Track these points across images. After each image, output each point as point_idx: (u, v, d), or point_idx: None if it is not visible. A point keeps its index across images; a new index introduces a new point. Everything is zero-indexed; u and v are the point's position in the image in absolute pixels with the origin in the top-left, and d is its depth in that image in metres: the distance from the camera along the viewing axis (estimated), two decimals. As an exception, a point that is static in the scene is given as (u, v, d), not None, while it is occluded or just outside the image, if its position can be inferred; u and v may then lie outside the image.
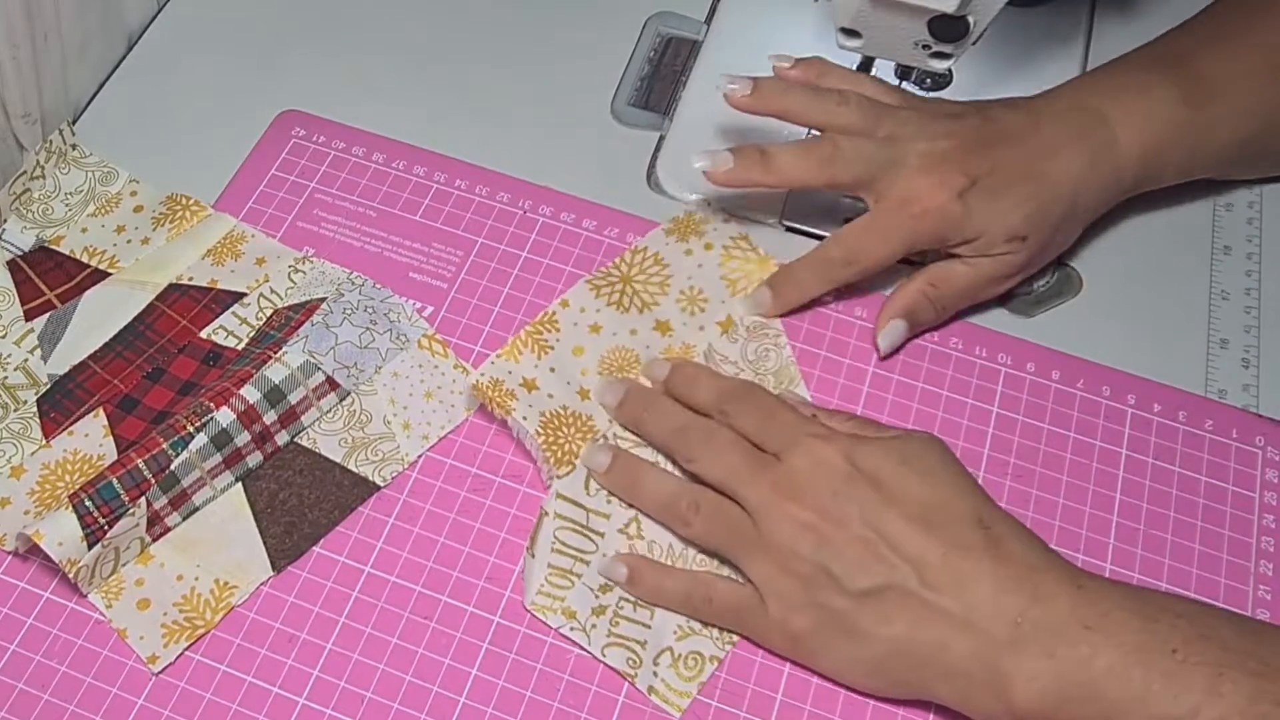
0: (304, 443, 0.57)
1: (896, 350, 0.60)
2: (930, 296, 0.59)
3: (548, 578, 0.53)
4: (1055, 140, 0.58)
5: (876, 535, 0.50)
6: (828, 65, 0.60)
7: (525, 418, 0.56)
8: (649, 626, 0.53)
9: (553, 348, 0.58)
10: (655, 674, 0.52)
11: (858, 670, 0.50)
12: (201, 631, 0.52)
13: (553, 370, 0.58)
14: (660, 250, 0.61)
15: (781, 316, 0.61)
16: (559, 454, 0.56)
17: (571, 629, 0.53)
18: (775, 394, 0.56)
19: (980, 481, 0.57)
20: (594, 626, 0.52)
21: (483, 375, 0.57)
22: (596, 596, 0.53)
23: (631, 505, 0.55)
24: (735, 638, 0.53)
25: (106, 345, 0.59)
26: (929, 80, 0.67)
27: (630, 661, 0.52)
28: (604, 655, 0.52)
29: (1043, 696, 0.47)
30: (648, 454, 0.56)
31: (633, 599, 0.53)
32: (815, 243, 0.63)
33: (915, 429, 0.55)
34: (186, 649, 0.52)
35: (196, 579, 0.53)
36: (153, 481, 0.53)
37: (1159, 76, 0.60)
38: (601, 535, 0.54)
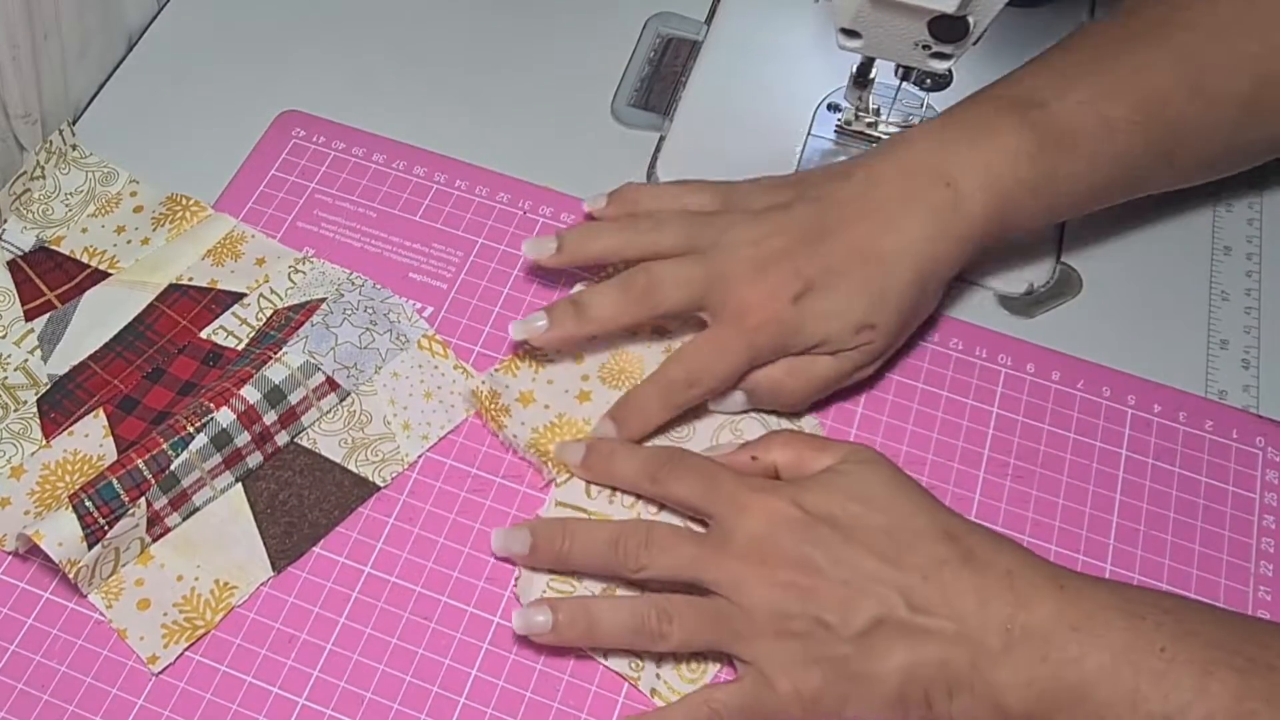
0: (304, 443, 0.57)
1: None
2: (783, 384, 0.56)
3: (550, 584, 0.53)
4: (891, 211, 0.55)
5: (853, 575, 0.49)
6: (638, 189, 0.60)
7: (516, 435, 0.56)
8: None
9: (551, 360, 0.58)
10: (658, 676, 0.52)
11: (880, 712, 0.49)
12: (201, 632, 0.52)
13: (550, 382, 0.58)
14: None
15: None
16: (556, 462, 0.56)
17: None
18: (696, 453, 0.54)
19: (980, 482, 0.57)
20: None
21: (482, 384, 0.57)
22: None
23: (596, 648, 0.52)
24: None
25: (106, 345, 0.59)
26: (929, 80, 0.67)
27: (632, 665, 0.52)
28: (606, 659, 0.52)
29: (1038, 700, 0.47)
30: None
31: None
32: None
33: (853, 443, 0.54)
34: (186, 649, 0.52)
35: (196, 579, 0.53)
36: (153, 482, 0.53)
37: (1009, 123, 0.56)
38: None
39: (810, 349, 0.55)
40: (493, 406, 0.57)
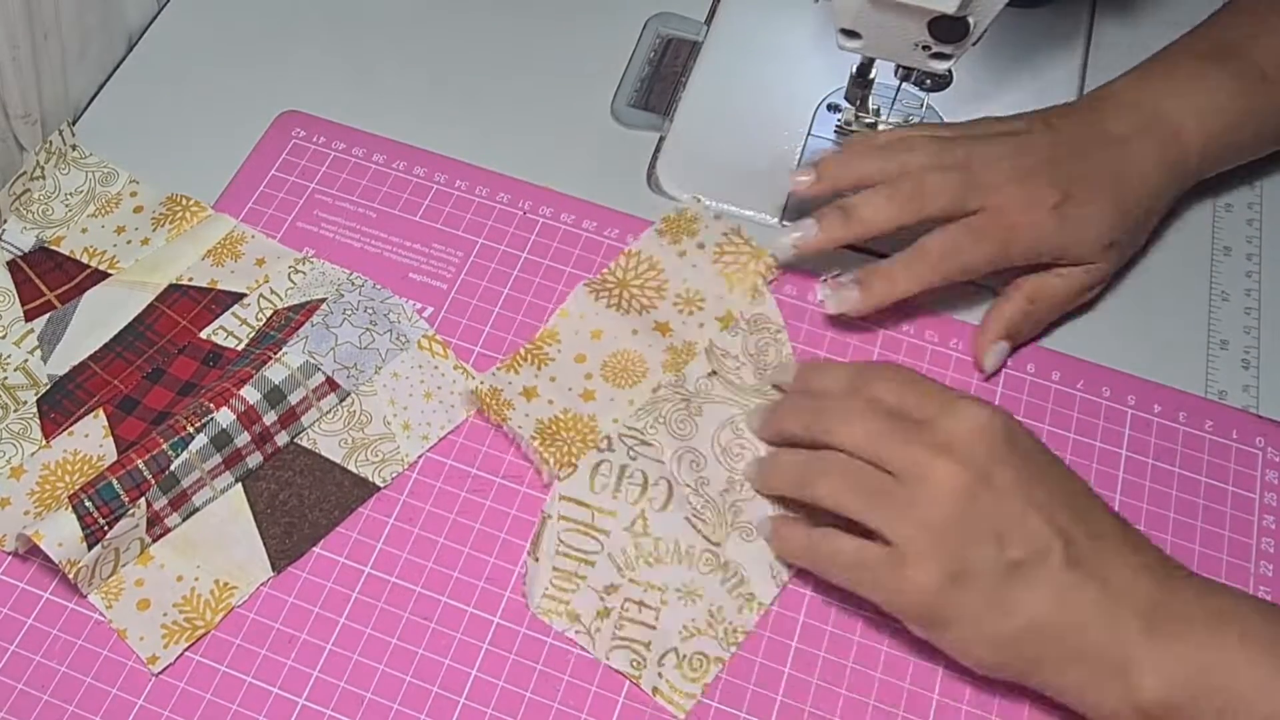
0: (304, 443, 0.57)
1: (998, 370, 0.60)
2: (1029, 313, 0.59)
3: (552, 580, 0.53)
4: (1125, 144, 0.59)
5: (1031, 506, 0.49)
6: (873, 133, 0.62)
7: (521, 426, 0.56)
8: (654, 628, 0.53)
9: (553, 359, 0.58)
10: (660, 674, 0.52)
11: (985, 645, 0.49)
12: (201, 632, 0.52)
13: (553, 379, 0.58)
14: (654, 254, 0.61)
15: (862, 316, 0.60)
16: (560, 456, 0.56)
17: (576, 632, 0.53)
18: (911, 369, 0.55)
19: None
20: (598, 630, 0.53)
21: (481, 383, 0.57)
22: (601, 599, 0.53)
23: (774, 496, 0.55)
24: (740, 638, 0.53)
25: (106, 346, 0.59)
26: (929, 81, 0.67)
27: (634, 663, 0.52)
28: (608, 659, 0.52)
29: (1170, 686, 0.47)
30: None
31: (637, 600, 0.53)
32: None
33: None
34: (186, 649, 0.52)
35: (196, 579, 0.53)
36: (153, 482, 0.53)
37: (1213, 68, 0.60)
38: (607, 534, 0.54)
39: (1055, 260, 0.58)
40: (495, 402, 0.57)
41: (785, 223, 0.64)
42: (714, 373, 0.58)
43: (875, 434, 0.51)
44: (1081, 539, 0.49)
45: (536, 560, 0.54)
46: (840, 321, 0.61)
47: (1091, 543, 0.49)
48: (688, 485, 0.56)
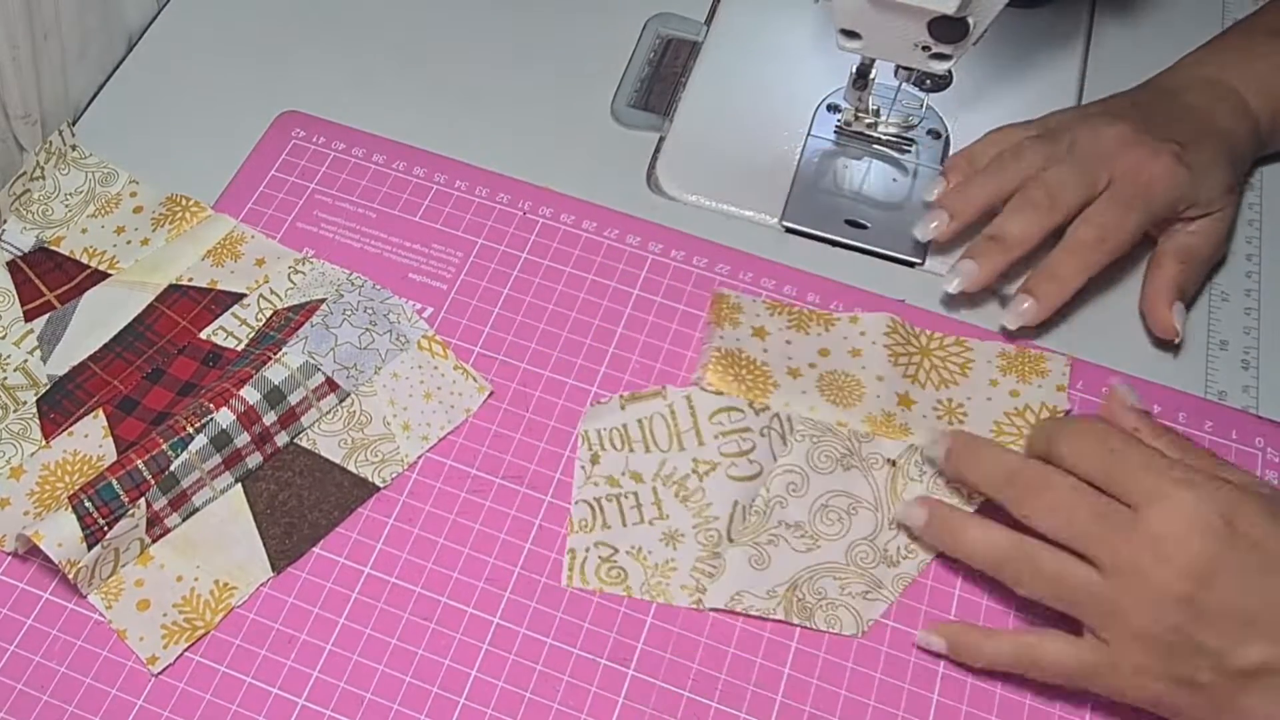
0: (304, 444, 0.57)
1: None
2: (1184, 272, 0.60)
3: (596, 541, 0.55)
4: (1205, 107, 0.61)
5: (1259, 607, 0.45)
6: (966, 151, 0.63)
7: (722, 338, 0.59)
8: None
9: (802, 335, 0.60)
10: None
11: None
12: (201, 632, 0.52)
13: (787, 343, 0.59)
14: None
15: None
16: (717, 377, 0.58)
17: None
18: (1118, 429, 0.51)
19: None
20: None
21: (737, 296, 0.60)
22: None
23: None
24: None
25: (106, 346, 0.59)
26: (929, 81, 0.67)
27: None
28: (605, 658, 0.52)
29: None
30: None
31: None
32: (814, 243, 0.64)
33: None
34: (186, 650, 0.52)
35: (196, 580, 0.53)
36: (152, 482, 0.53)
37: (1272, 45, 0.63)
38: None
39: (1188, 211, 0.59)
40: (727, 307, 0.60)
41: (785, 223, 0.64)
42: (894, 463, 0.57)
43: (1077, 526, 0.48)
44: None
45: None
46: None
47: None
48: (769, 490, 0.56)
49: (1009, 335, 0.60)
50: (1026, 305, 0.59)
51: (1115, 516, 0.48)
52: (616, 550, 0.55)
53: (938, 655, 0.52)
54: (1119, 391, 0.54)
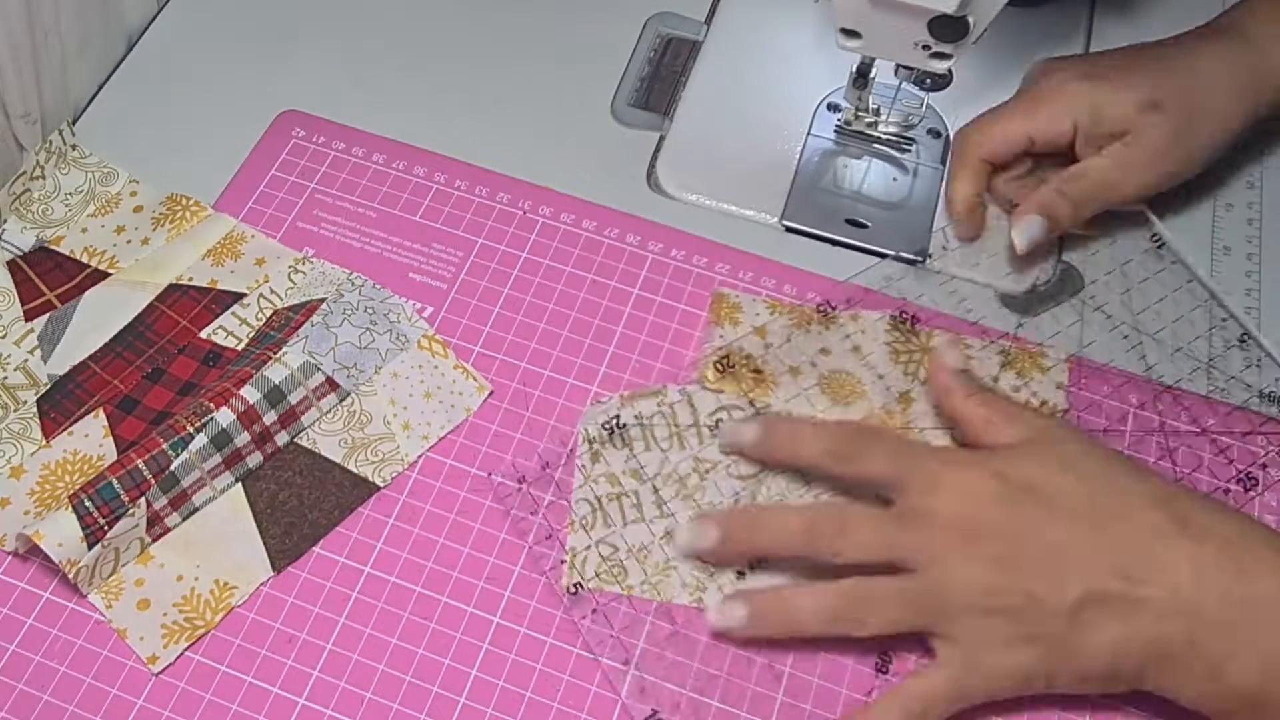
0: (304, 443, 0.57)
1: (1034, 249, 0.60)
2: (1064, 193, 0.59)
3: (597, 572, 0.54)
4: (1193, 48, 0.60)
5: (1060, 544, 0.47)
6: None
7: (722, 336, 0.59)
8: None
9: (803, 333, 0.60)
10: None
11: (1091, 684, 0.48)
12: (201, 632, 0.52)
13: (787, 341, 0.59)
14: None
15: None
16: (713, 375, 0.58)
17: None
18: (881, 428, 0.53)
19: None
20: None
21: (734, 294, 0.60)
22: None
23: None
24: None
25: (106, 346, 0.59)
26: (929, 80, 0.67)
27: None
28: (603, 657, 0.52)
29: (1261, 674, 0.46)
30: None
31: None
32: (814, 243, 0.64)
33: (1045, 416, 0.54)
34: (186, 649, 0.52)
35: (196, 579, 0.53)
36: (152, 482, 0.53)
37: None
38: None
39: (1095, 129, 0.59)
40: (727, 307, 0.60)
41: (785, 222, 0.64)
42: None
43: (885, 543, 0.49)
44: (1129, 553, 0.47)
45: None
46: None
47: (1144, 551, 0.47)
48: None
49: (1009, 334, 0.60)
50: (1035, 225, 0.59)
51: (911, 516, 0.50)
52: (616, 549, 0.55)
53: None
54: (941, 350, 0.56)
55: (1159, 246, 0.62)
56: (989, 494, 0.49)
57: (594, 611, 0.53)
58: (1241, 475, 0.57)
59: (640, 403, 0.58)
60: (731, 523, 0.53)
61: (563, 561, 0.54)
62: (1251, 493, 0.57)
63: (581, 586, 0.54)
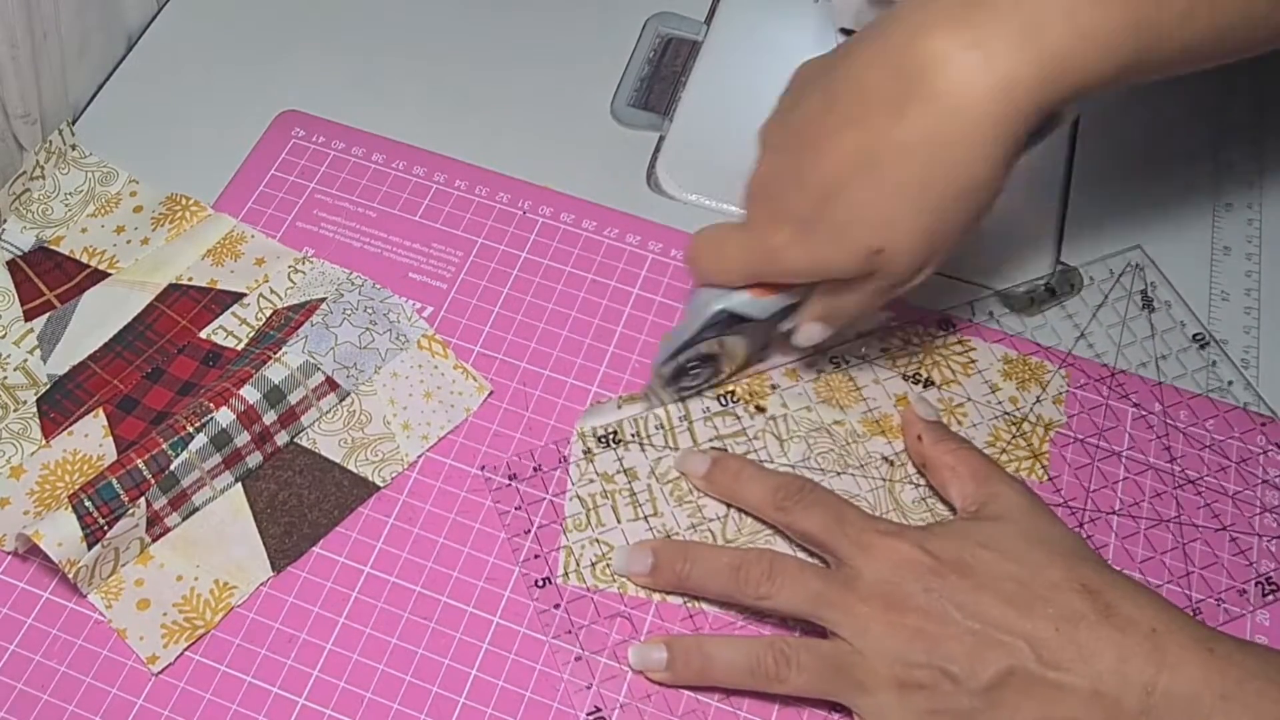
0: (304, 443, 0.57)
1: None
2: (827, 316, 0.53)
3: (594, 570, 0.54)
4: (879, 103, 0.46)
5: (982, 624, 0.47)
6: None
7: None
8: None
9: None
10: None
11: None
12: (201, 632, 0.52)
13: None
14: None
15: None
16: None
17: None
18: (824, 488, 0.53)
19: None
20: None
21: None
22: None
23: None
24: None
25: (106, 345, 0.59)
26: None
27: None
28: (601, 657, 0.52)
29: None
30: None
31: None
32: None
33: (1011, 481, 0.53)
34: (186, 649, 0.52)
35: (196, 579, 0.53)
36: (152, 482, 0.53)
37: None
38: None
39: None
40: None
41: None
42: (891, 463, 0.57)
43: (811, 597, 0.49)
44: (1050, 636, 0.46)
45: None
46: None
47: (1064, 635, 0.46)
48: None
49: (1006, 336, 0.60)
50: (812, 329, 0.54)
51: (839, 578, 0.50)
52: (612, 547, 0.55)
53: None
54: (914, 404, 0.57)
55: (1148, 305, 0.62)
56: (917, 566, 0.48)
57: (594, 612, 0.53)
58: (1243, 473, 0.57)
59: (637, 404, 0.58)
60: (665, 552, 0.53)
61: (550, 553, 0.54)
62: (1253, 489, 0.57)
63: (579, 585, 0.54)
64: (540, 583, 0.54)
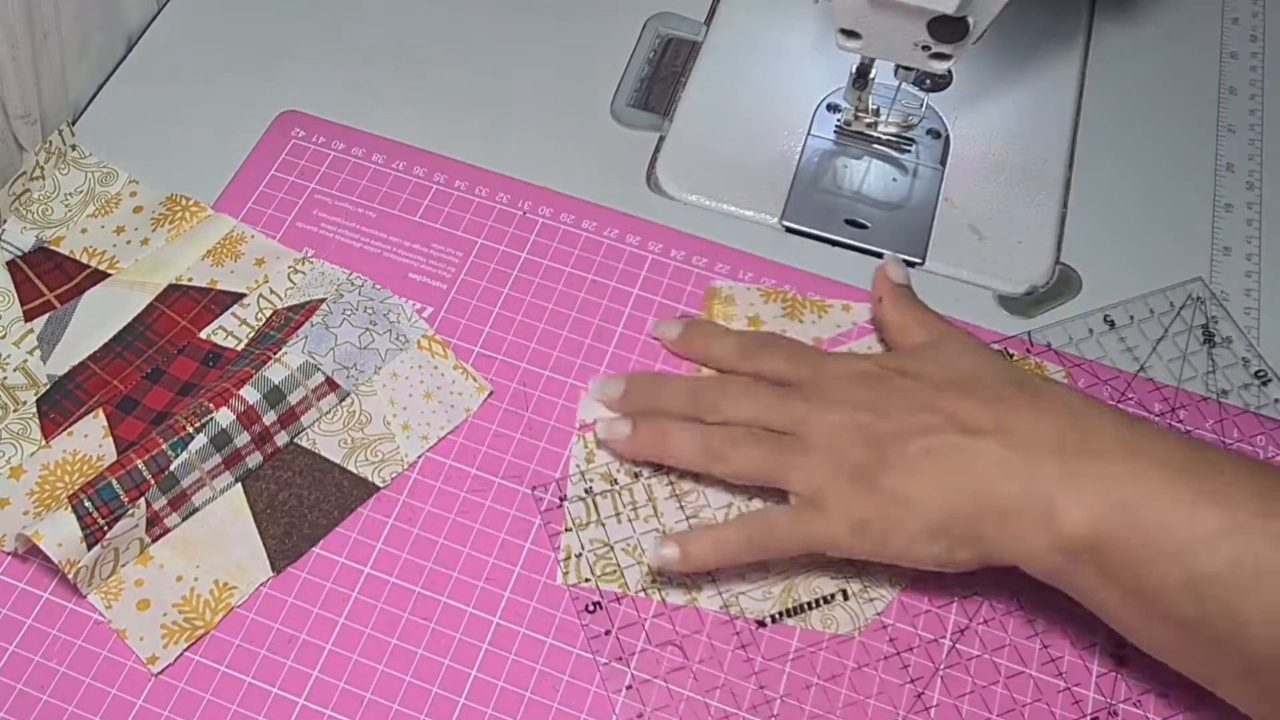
0: (304, 443, 0.57)
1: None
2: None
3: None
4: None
5: (911, 406, 0.51)
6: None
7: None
8: None
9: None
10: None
11: (923, 544, 0.50)
12: (201, 632, 0.52)
13: None
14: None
15: None
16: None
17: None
18: (789, 338, 0.58)
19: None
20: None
21: (729, 287, 0.61)
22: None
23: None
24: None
25: (106, 346, 0.59)
26: (928, 81, 0.67)
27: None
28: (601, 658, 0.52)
29: (1092, 521, 0.46)
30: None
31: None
32: (814, 243, 0.64)
33: (952, 326, 0.57)
34: (186, 650, 0.52)
35: (196, 580, 0.53)
36: (152, 482, 0.53)
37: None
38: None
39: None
40: (719, 301, 0.61)
41: (785, 222, 0.64)
42: None
43: (762, 405, 0.54)
44: (973, 407, 0.50)
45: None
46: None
47: (988, 410, 0.50)
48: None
49: (1004, 337, 0.61)
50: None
51: (791, 390, 0.54)
52: (612, 546, 0.55)
53: (673, 570, 0.53)
54: (888, 262, 0.60)
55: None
56: (863, 373, 0.54)
57: (593, 612, 0.53)
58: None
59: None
60: (636, 380, 0.58)
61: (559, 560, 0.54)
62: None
63: (579, 584, 0.54)
64: (543, 584, 0.54)
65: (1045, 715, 0.52)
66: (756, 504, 0.55)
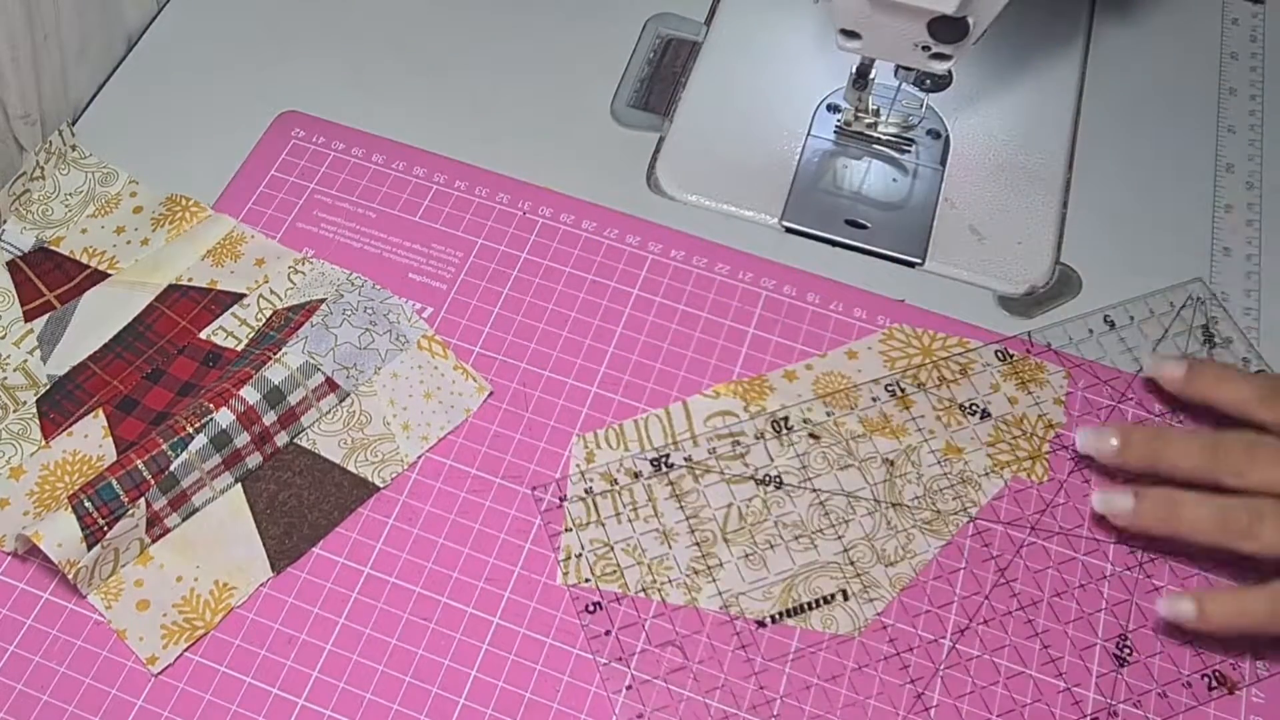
0: (304, 444, 0.57)
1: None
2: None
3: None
4: None
5: None
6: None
7: None
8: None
9: None
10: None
11: None
12: (201, 632, 0.52)
13: None
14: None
15: None
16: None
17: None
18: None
19: (980, 482, 0.57)
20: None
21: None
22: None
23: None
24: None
25: (106, 346, 0.59)
26: (929, 81, 0.67)
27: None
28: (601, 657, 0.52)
29: None
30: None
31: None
32: (814, 243, 0.64)
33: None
34: (186, 650, 0.52)
35: (196, 580, 0.53)
36: (152, 482, 0.53)
37: None
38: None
39: None
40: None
41: (785, 223, 0.64)
42: (891, 463, 0.57)
43: None
44: None
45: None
46: (840, 323, 0.61)
47: None
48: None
49: (1004, 337, 0.61)
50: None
51: None
52: (612, 547, 0.55)
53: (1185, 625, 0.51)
54: (1159, 364, 0.57)
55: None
56: None
57: (593, 612, 0.53)
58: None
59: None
60: (1135, 432, 0.54)
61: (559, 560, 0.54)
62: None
63: (579, 584, 0.54)
64: (542, 584, 0.54)
65: (1045, 715, 0.52)
66: (757, 505, 0.55)
